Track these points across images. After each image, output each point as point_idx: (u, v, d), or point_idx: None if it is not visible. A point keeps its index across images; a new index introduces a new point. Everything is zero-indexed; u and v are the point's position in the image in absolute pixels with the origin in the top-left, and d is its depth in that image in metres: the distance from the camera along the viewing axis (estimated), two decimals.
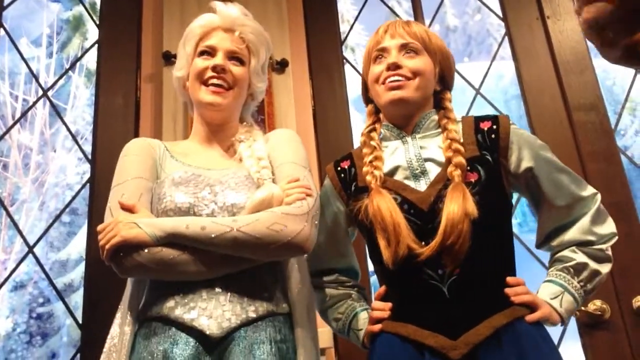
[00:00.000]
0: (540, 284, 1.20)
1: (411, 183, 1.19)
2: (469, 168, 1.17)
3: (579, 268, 1.17)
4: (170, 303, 1.10)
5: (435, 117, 1.27)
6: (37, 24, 8.02)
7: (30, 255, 2.08)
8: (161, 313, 1.10)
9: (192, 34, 1.33)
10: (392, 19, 1.35)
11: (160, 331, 1.09)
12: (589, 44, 2.21)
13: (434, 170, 1.19)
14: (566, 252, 1.20)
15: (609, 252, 1.20)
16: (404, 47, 1.26)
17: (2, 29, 2.32)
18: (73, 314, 2.06)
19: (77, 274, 6.85)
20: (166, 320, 1.10)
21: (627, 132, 7.80)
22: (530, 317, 1.10)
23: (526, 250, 1.97)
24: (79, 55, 7.65)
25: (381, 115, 1.32)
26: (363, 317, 1.26)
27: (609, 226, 1.21)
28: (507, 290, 1.12)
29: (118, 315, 1.16)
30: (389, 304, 1.19)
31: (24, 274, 6.95)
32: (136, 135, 2.13)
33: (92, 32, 7.32)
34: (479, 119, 1.25)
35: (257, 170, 1.23)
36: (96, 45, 2.33)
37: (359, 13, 2.63)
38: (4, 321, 6.82)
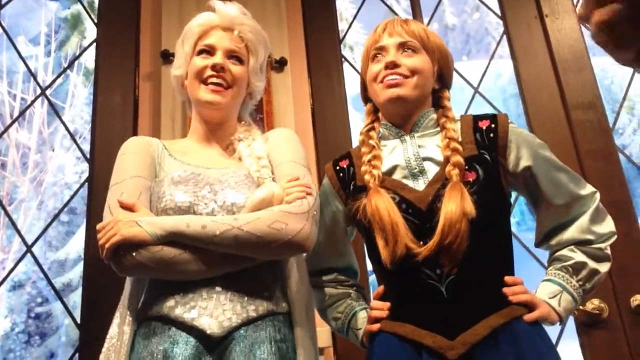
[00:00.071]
0: (539, 283, 1.20)
1: (409, 182, 1.19)
2: (467, 167, 1.16)
3: (578, 267, 1.17)
4: (170, 302, 1.10)
5: (434, 115, 1.27)
6: (35, 22, 8.01)
7: (29, 254, 2.07)
8: (161, 312, 1.10)
9: (190, 33, 1.33)
10: (390, 18, 1.35)
11: (160, 331, 1.09)
12: (588, 42, 2.22)
13: (432, 170, 1.19)
14: (565, 251, 1.20)
15: (608, 251, 1.20)
16: (402, 46, 1.25)
17: (0, 28, 2.31)
18: (71, 313, 2.05)
19: (76, 273, 6.85)
20: (166, 319, 1.09)
21: (625, 131, 7.82)
22: (528, 317, 1.10)
23: (524, 249, 1.97)
24: (77, 54, 7.61)
25: (380, 114, 1.32)
26: (362, 316, 1.26)
27: (607, 225, 1.21)
28: (505, 289, 1.12)
29: (117, 314, 1.16)
30: (388, 304, 1.19)
31: (22, 273, 6.95)
32: (135, 133, 2.12)
33: (91, 31, 7.32)
34: (477, 118, 1.25)
35: (257, 169, 1.23)
36: (94, 44, 2.33)
37: (358, 11, 2.63)
38: (2, 321, 6.81)
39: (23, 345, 6.82)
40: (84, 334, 1.89)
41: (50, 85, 3.42)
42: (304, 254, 1.24)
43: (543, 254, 1.33)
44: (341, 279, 1.33)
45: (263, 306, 1.13)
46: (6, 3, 2.37)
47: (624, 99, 2.48)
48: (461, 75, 2.26)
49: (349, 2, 6.35)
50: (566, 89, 2.14)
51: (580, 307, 1.81)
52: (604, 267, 1.19)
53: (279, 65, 2.22)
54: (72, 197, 2.44)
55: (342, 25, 2.50)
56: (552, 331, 1.18)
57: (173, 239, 1.07)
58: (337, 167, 1.32)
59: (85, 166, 2.25)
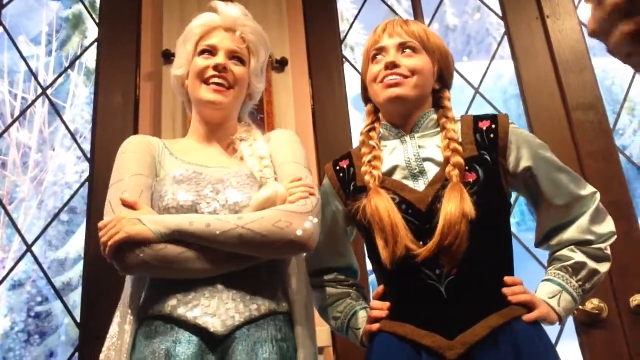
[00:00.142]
0: (539, 283, 1.20)
1: (410, 183, 1.19)
2: (467, 168, 1.16)
3: (578, 267, 1.17)
4: (172, 301, 1.09)
5: (434, 116, 1.27)
6: (37, 22, 8.02)
7: (29, 254, 2.07)
8: (163, 312, 1.09)
9: (192, 33, 1.33)
10: (391, 18, 1.35)
11: (163, 330, 1.09)
12: (589, 43, 2.22)
13: (432, 170, 1.19)
14: (565, 252, 1.20)
15: (608, 252, 1.20)
16: (402, 46, 1.26)
17: (1, 27, 2.31)
18: (71, 312, 2.06)
19: (76, 272, 6.85)
20: (168, 318, 1.09)
21: (626, 132, 7.81)
22: (528, 317, 1.10)
23: (525, 249, 1.98)
24: (79, 53, 7.65)
25: (380, 115, 1.32)
26: (362, 316, 1.26)
27: (608, 225, 1.21)
28: (505, 290, 1.12)
29: (117, 314, 1.15)
30: (387, 304, 1.19)
31: (23, 272, 6.95)
32: (135, 133, 2.12)
33: (92, 31, 7.32)
34: (477, 119, 1.25)
35: (259, 169, 1.23)
36: (96, 44, 2.33)
37: (359, 12, 2.63)
38: (2, 320, 6.82)
39: (23, 344, 6.82)
40: (83, 333, 1.89)
41: (51, 85, 3.42)
42: (304, 254, 1.24)
43: (543, 254, 1.33)
44: (341, 278, 1.34)
45: (265, 305, 1.13)
46: (8, 3, 2.38)
47: (625, 100, 2.48)
48: (462, 76, 2.26)
49: (350, 3, 6.36)
50: (567, 89, 2.14)
51: (580, 307, 1.81)
52: (603, 268, 1.19)
53: (280, 65, 2.22)
54: (72, 196, 2.44)
55: (343, 26, 2.50)
56: (551, 331, 1.18)
57: (177, 237, 1.07)
58: (338, 168, 1.32)
59: (85, 166, 2.25)
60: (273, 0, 2.32)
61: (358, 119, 2.53)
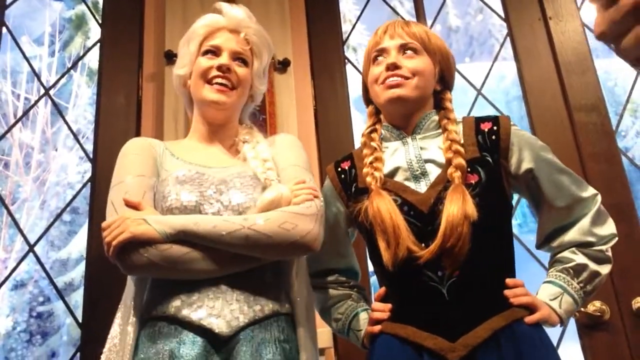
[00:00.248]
0: (540, 285, 1.20)
1: (411, 184, 1.19)
2: (469, 169, 1.16)
3: (579, 269, 1.17)
4: (176, 302, 1.09)
5: (436, 117, 1.27)
6: (40, 22, 8.03)
7: (31, 254, 2.08)
8: (167, 312, 1.09)
9: (196, 33, 1.33)
10: (393, 19, 1.35)
11: (166, 330, 1.08)
12: (591, 44, 2.22)
13: (434, 172, 1.19)
14: (566, 253, 1.20)
15: (609, 253, 1.20)
16: (403, 47, 1.25)
17: (4, 28, 2.32)
18: (73, 313, 2.06)
19: (78, 273, 6.86)
20: (172, 319, 1.09)
21: (628, 134, 7.80)
22: (530, 319, 1.10)
23: (526, 251, 1.97)
24: (81, 54, 7.67)
25: (382, 117, 1.32)
26: (363, 317, 1.26)
27: (609, 227, 1.21)
28: (506, 292, 1.12)
29: (118, 314, 1.15)
30: (389, 305, 1.19)
31: (25, 272, 6.96)
32: (138, 134, 2.13)
33: (94, 31, 7.34)
34: (479, 120, 1.25)
35: (263, 170, 1.23)
36: (98, 44, 2.34)
37: (361, 13, 2.63)
38: (4, 320, 6.83)
39: (25, 344, 6.83)
40: (85, 333, 1.89)
41: (53, 85, 3.43)
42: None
43: (544, 256, 1.33)
44: (342, 280, 1.33)
45: (268, 306, 1.13)
46: (11, 3, 2.38)
47: (627, 101, 2.48)
48: (464, 77, 2.26)
49: (352, 4, 6.35)
50: (569, 91, 2.14)
51: (582, 309, 1.81)
52: (604, 269, 1.19)
53: (282, 66, 2.22)
54: (74, 196, 2.44)
55: (345, 27, 2.50)
56: (553, 333, 1.18)
57: (182, 237, 1.07)
58: (339, 169, 1.32)
59: (88, 166, 2.25)
60: (275, 1, 2.32)
61: (360, 119, 2.54)
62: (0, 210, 6.53)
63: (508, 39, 2.34)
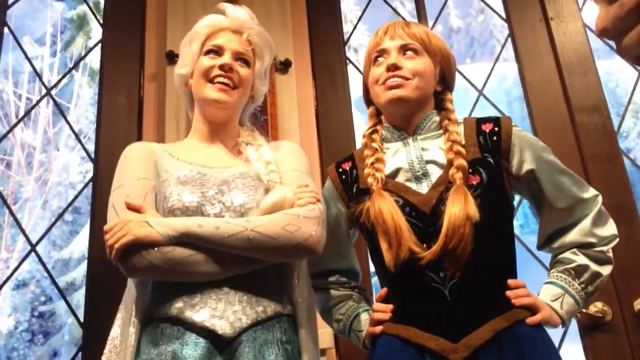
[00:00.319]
0: (541, 286, 1.20)
1: (413, 185, 1.19)
2: (470, 170, 1.16)
3: (580, 270, 1.17)
4: (179, 304, 1.09)
5: (437, 118, 1.27)
6: (41, 22, 8.05)
7: (33, 253, 2.08)
8: (169, 314, 1.08)
9: (199, 33, 1.33)
10: (394, 20, 1.35)
11: (169, 332, 1.08)
12: (593, 45, 2.22)
13: (435, 173, 1.19)
14: (567, 254, 1.20)
15: (610, 254, 1.20)
16: (404, 48, 1.25)
17: (6, 28, 2.32)
18: (75, 312, 2.06)
19: (79, 272, 6.87)
20: (175, 320, 1.08)
21: (630, 134, 7.80)
22: (531, 320, 1.10)
23: (527, 251, 1.97)
24: (83, 54, 7.67)
25: (382, 117, 1.32)
26: (364, 318, 1.26)
27: (610, 228, 1.21)
28: (508, 292, 1.12)
29: (119, 316, 1.15)
30: (390, 306, 1.19)
31: (27, 272, 6.98)
32: (139, 134, 2.13)
33: (96, 32, 7.35)
34: (480, 121, 1.25)
35: (266, 173, 1.23)
36: (100, 45, 2.34)
37: (362, 13, 2.63)
38: (6, 319, 6.84)
39: (26, 343, 6.84)
40: (87, 333, 1.89)
41: (55, 86, 3.44)
42: None
43: (546, 257, 1.33)
44: (343, 280, 1.33)
45: (271, 307, 1.13)
46: (12, 3, 2.39)
47: (629, 102, 2.48)
48: (466, 78, 2.26)
49: (353, 4, 6.36)
50: (571, 92, 2.14)
51: (583, 310, 1.81)
52: (606, 270, 1.19)
53: (284, 66, 2.22)
54: (76, 196, 2.45)
55: (346, 27, 2.50)
56: (555, 334, 1.18)
57: (185, 239, 1.06)
58: (340, 169, 1.32)
59: (89, 166, 2.26)
60: (277, 1, 2.32)
61: (361, 120, 2.54)
62: (2, 210, 6.55)
63: (509, 39, 2.34)
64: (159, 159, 1.26)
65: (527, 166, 1.19)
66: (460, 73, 2.20)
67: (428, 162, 1.20)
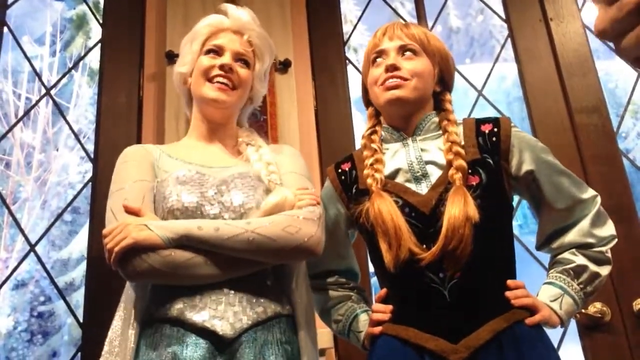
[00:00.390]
0: (540, 286, 1.20)
1: (412, 186, 1.19)
2: (470, 171, 1.16)
3: (579, 270, 1.17)
4: (179, 305, 1.08)
5: (436, 119, 1.27)
6: (41, 22, 8.04)
7: (32, 253, 2.08)
8: (169, 315, 1.08)
9: (200, 32, 1.33)
10: (394, 20, 1.35)
11: (169, 333, 1.07)
12: (592, 46, 2.22)
13: (435, 173, 1.19)
14: (566, 255, 1.20)
15: (609, 255, 1.20)
16: (402, 49, 1.25)
17: (5, 27, 2.32)
18: (74, 312, 2.06)
19: (79, 272, 6.87)
20: (174, 322, 1.08)
21: (629, 135, 7.81)
22: (530, 320, 1.10)
23: (527, 252, 1.97)
24: (82, 54, 7.67)
25: (382, 118, 1.32)
26: (363, 318, 1.26)
27: (608, 229, 1.21)
28: (507, 293, 1.12)
29: (117, 317, 1.14)
30: (390, 307, 1.18)
31: (26, 272, 6.97)
32: (139, 134, 2.13)
33: (96, 31, 7.35)
34: (480, 122, 1.25)
35: (267, 173, 1.23)
36: (99, 45, 2.34)
37: (362, 14, 2.63)
38: (5, 319, 6.84)
39: (25, 344, 6.84)
40: (86, 333, 1.89)
41: (55, 85, 3.44)
42: None
43: (545, 257, 1.33)
44: (342, 281, 1.33)
45: (271, 308, 1.13)
46: (12, 3, 2.39)
47: (628, 102, 2.48)
48: (465, 78, 2.26)
49: (353, 4, 6.36)
50: (570, 92, 2.14)
51: (582, 311, 1.81)
52: (604, 271, 1.19)
53: (283, 66, 2.22)
54: (75, 196, 2.45)
55: (346, 27, 2.50)
56: (554, 334, 1.18)
57: (184, 242, 1.06)
58: (339, 170, 1.32)
59: (89, 166, 2.26)
60: (277, 1, 2.32)
61: (361, 120, 2.53)
62: (2, 210, 6.54)
63: (509, 40, 2.34)
64: (156, 160, 1.26)
65: (527, 167, 1.19)
66: (460, 73, 2.20)
67: (427, 162, 1.20)
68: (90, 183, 2.11)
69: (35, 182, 7.64)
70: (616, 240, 1.21)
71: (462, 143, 1.20)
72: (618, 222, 1.25)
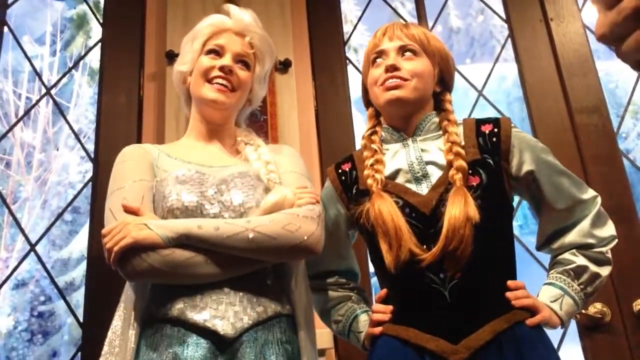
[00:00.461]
0: (541, 287, 1.20)
1: (412, 186, 1.19)
2: (470, 172, 1.16)
3: (579, 271, 1.17)
4: (179, 304, 1.08)
5: (436, 119, 1.27)
6: (41, 22, 8.04)
7: (32, 253, 2.08)
8: (170, 315, 1.08)
9: (201, 32, 1.33)
10: (395, 20, 1.35)
11: (170, 333, 1.07)
12: (592, 46, 2.22)
13: (435, 174, 1.19)
14: (566, 255, 1.20)
15: (609, 255, 1.20)
16: (402, 49, 1.25)
17: (5, 27, 2.32)
18: (74, 312, 2.06)
19: (79, 272, 6.87)
20: (175, 321, 1.08)
21: (630, 135, 7.81)
22: (531, 321, 1.10)
23: (527, 252, 1.97)
24: (83, 53, 7.67)
25: (382, 119, 1.32)
26: (363, 319, 1.26)
27: (608, 229, 1.21)
28: (508, 294, 1.12)
29: (116, 317, 1.14)
30: (390, 307, 1.18)
31: (26, 272, 6.97)
32: (139, 133, 2.13)
33: (96, 31, 7.35)
34: (480, 122, 1.25)
35: (266, 172, 1.23)
36: (100, 44, 2.34)
37: (362, 14, 2.63)
38: (6, 319, 6.84)
39: (26, 343, 6.84)
40: (86, 332, 1.89)
41: (55, 85, 3.44)
42: None
43: (545, 257, 1.33)
44: (342, 281, 1.33)
45: (271, 308, 1.13)
46: (12, 3, 2.39)
47: (629, 103, 2.48)
48: (465, 78, 2.26)
49: (353, 4, 6.36)
50: (570, 92, 2.14)
51: (583, 311, 1.81)
52: (605, 271, 1.19)
53: (283, 66, 2.22)
54: (75, 196, 2.45)
55: (346, 27, 2.50)
56: (554, 335, 1.18)
57: (184, 241, 1.06)
58: (340, 170, 1.32)
59: (89, 166, 2.26)
60: (277, 1, 2.32)
61: (361, 120, 2.53)
62: (2, 210, 6.55)
63: (509, 40, 2.34)
64: (155, 160, 1.25)
65: (527, 167, 1.19)
66: (460, 73, 2.20)
67: (428, 163, 1.20)
68: (91, 183, 2.11)
69: (35, 182, 7.65)
70: (616, 240, 1.21)
71: (463, 143, 1.20)
72: (618, 222, 1.25)
